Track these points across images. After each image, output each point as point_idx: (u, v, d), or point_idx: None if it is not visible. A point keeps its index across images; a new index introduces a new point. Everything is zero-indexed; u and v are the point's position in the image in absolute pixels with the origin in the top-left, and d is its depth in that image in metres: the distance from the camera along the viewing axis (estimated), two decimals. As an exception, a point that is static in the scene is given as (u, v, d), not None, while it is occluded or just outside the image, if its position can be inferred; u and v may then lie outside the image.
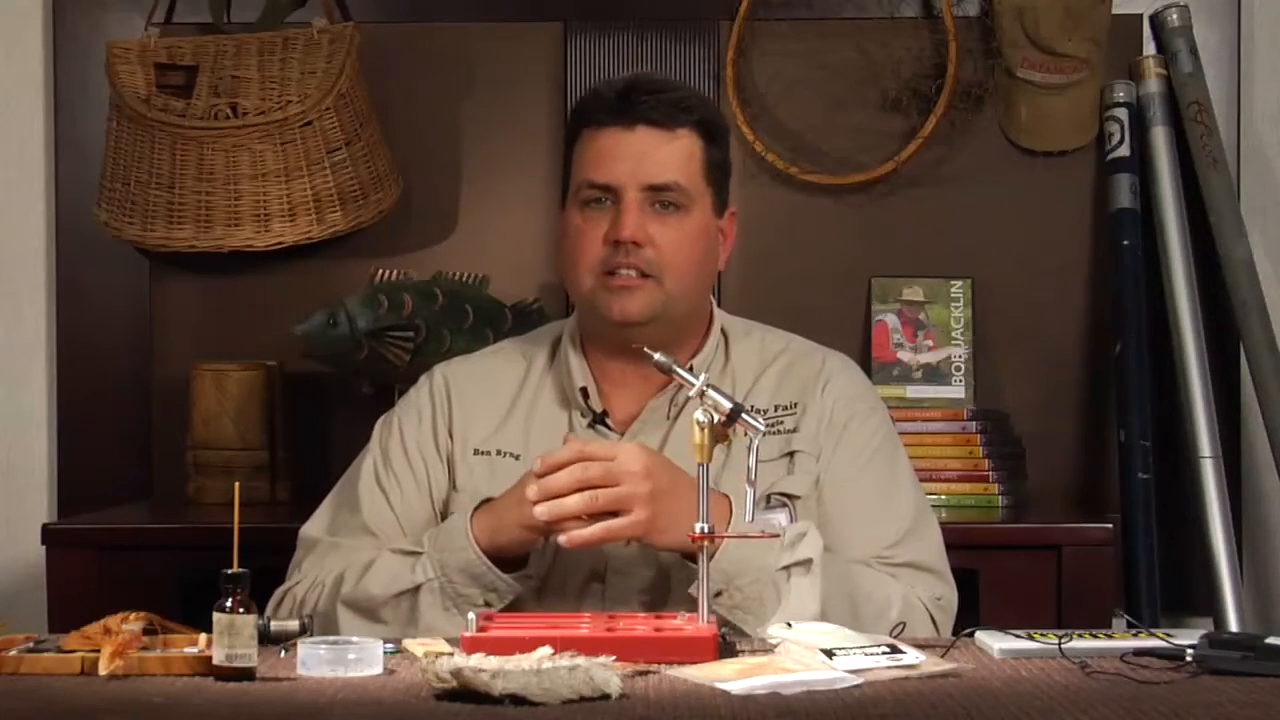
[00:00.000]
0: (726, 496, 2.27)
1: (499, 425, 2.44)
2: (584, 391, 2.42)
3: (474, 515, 2.28)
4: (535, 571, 2.34)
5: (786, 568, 2.23)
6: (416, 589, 2.27)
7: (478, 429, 2.44)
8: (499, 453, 2.42)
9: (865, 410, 2.47)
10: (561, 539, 2.21)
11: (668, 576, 2.33)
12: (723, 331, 2.48)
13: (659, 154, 2.37)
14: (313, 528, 2.45)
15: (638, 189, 2.36)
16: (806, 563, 2.23)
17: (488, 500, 2.31)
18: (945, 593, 2.39)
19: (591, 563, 2.35)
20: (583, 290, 2.38)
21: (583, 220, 2.39)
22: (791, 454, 2.40)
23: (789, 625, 2.13)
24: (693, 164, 2.39)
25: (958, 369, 3.41)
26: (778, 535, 2.23)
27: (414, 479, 2.43)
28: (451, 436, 2.44)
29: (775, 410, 2.43)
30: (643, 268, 2.35)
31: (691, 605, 2.14)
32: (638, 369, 2.33)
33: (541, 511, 2.19)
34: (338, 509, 2.45)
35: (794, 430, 2.42)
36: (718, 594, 2.20)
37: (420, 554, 2.29)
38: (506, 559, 2.27)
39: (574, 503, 2.19)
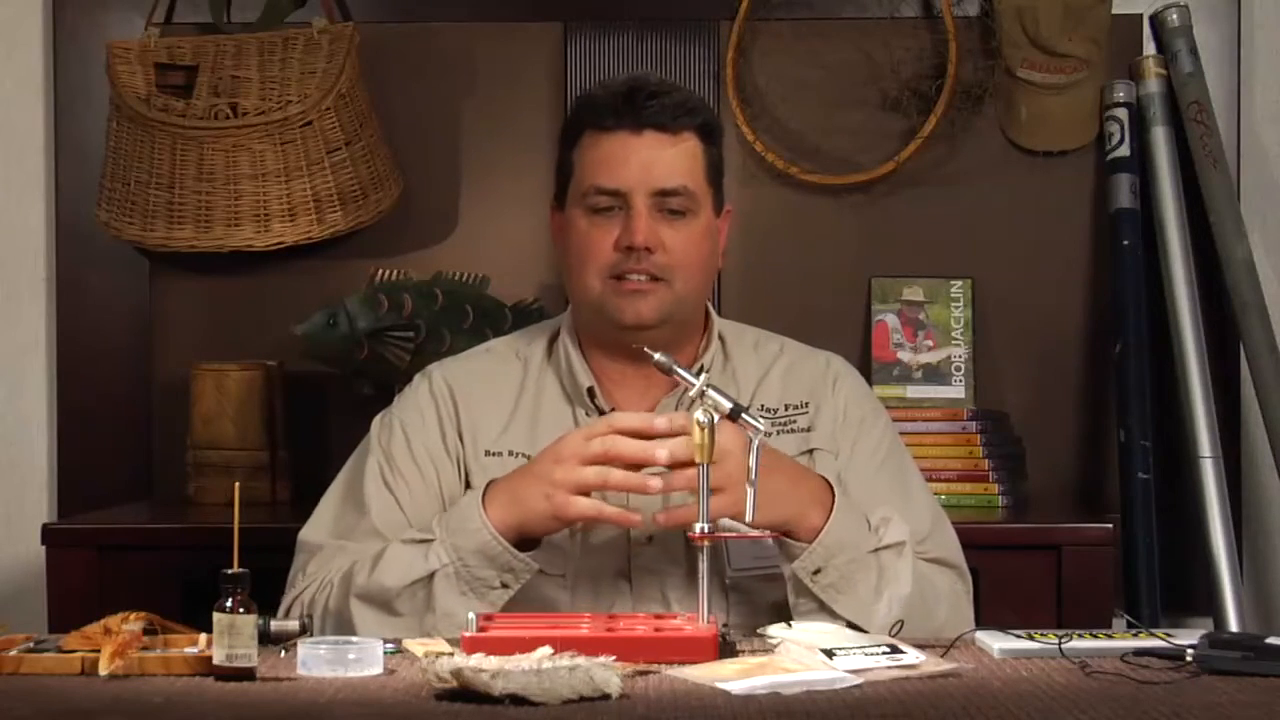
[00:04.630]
0: (827, 480, 2.29)
1: (506, 426, 2.44)
2: (590, 391, 2.43)
3: (485, 496, 2.27)
4: (564, 570, 2.35)
5: (877, 550, 2.26)
6: (431, 576, 2.26)
7: (486, 430, 2.44)
8: (510, 453, 2.41)
9: (874, 409, 2.50)
10: (660, 518, 2.21)
11: (695, 576, 2.33)
12: (719, 334, 2.49)
13: (666, 158, 2.37)
14: (313, 532, 2.44)
15: (648, 194, 2.36)
16: (899, 545, 2.28)
17: (494, 481, 2.30)
18: (969, 588, 2.45)
19: (618, 562, 2.37)
20: (591, 294, 2.38)
21: (590, 225, 2.38)
22: (810, 451, 2.42)
23: (789, 625, 2.14)
24: (697, 167, 2.40)
25: (958, 369, 3.41)
26: (778, 535, 2.23)
27: (422, 480, 2.42)
28: (461, 438, 2.44)
29: (786, 409, 2.44)
30: (654, 272, 2.35)
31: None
32: (639, 369, 2.34)
33: (659, 485, 2.19)
34: (341, 511, 2.44)
35: (809, 429, 2.44)
36: (817, 571, 2.23)
37: (432, 541, 2.27)
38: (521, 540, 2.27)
39: (684, 480, 2.19)
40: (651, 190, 2.36)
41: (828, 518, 2.24)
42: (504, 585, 2.25)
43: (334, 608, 2.31)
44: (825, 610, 2.25)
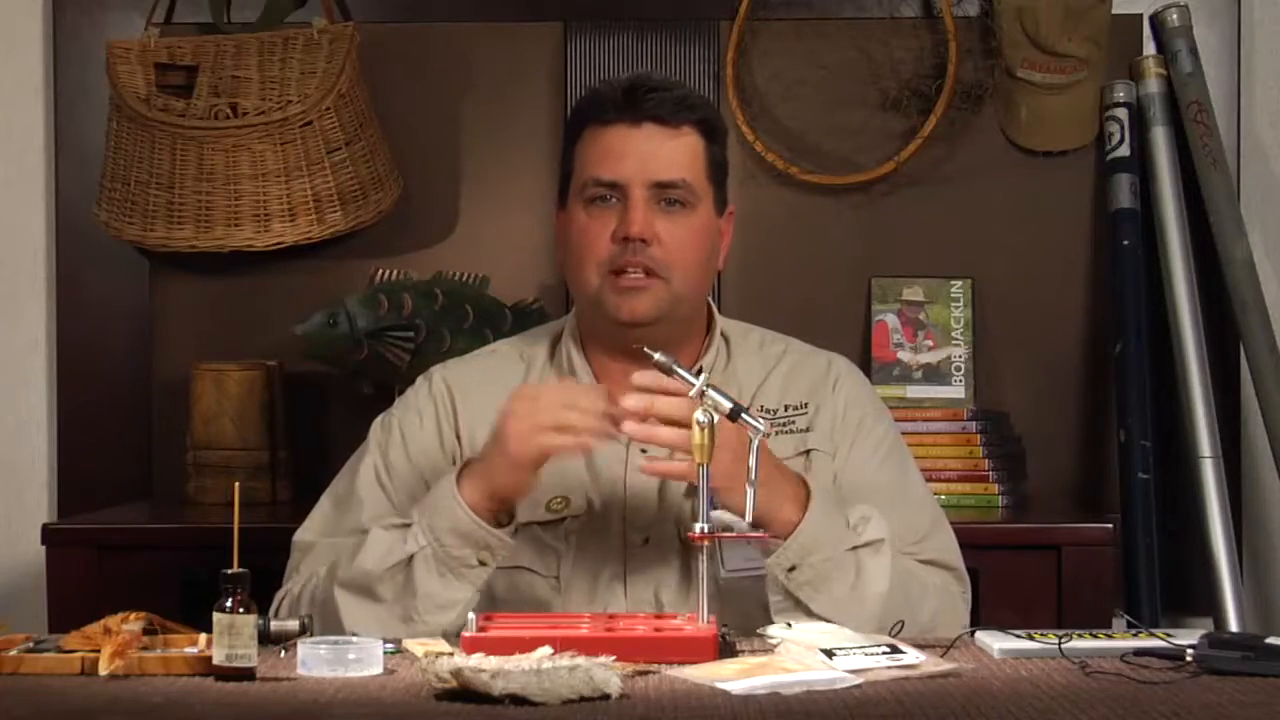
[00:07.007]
0: (804, 480, 2.29)
1: None
2: (590, 392, 2.43)
3: (459, 476, 2.27)
4: (557, 572, 2.35)
5: (855, 548, 2.26)
6: (410, 559, 2.25)
7: (484, 431, 2.42)
8: None
9: (875, 411, 2.50)
10: (642, 463, 2.23)
11: (689, 577, 2.33)
12: (723, 334, 2.49)
13: (665, 151, 2.38)
14: (307, 532, 2.45)
15: (645, 186, 2.36)
16: (877, 543, 2.27)
17: (468, 460, 2.30)
18: (966, 590, 2.44)
19: (612, 565, 2.37)
20: (589, 289, 2.38)
21: (588, 218, 2.38)
22: (807, 453, 2.41)
23: (789, 625, 2.14)
24: (696, 161, 2.40)
25: (958, 369, 3.41)
26: (777, 535, 2.23)
27: (417, 480, 2.42)
28: (459, 439, 2.44)
29: (785, 410, 2.44)
30: (650, 266, 2.35)
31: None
32: (641, 369, 2.33)
33: (634, 429, 2.19)
34: (335, 512, 2.45)
35: (807, 430, 2.43)
36: (791, 569, 2.23)
37: (411, 525, 2.28)
38: (497, 518, 2.27)
39: (667, 435, 2.19)
40: (649, 182, 2.36)
41: (803, 515, 2.24)
42: (481, 563, 2.25)
43: (320, 599, 2.32)
44: (801, 608, 2.24)
